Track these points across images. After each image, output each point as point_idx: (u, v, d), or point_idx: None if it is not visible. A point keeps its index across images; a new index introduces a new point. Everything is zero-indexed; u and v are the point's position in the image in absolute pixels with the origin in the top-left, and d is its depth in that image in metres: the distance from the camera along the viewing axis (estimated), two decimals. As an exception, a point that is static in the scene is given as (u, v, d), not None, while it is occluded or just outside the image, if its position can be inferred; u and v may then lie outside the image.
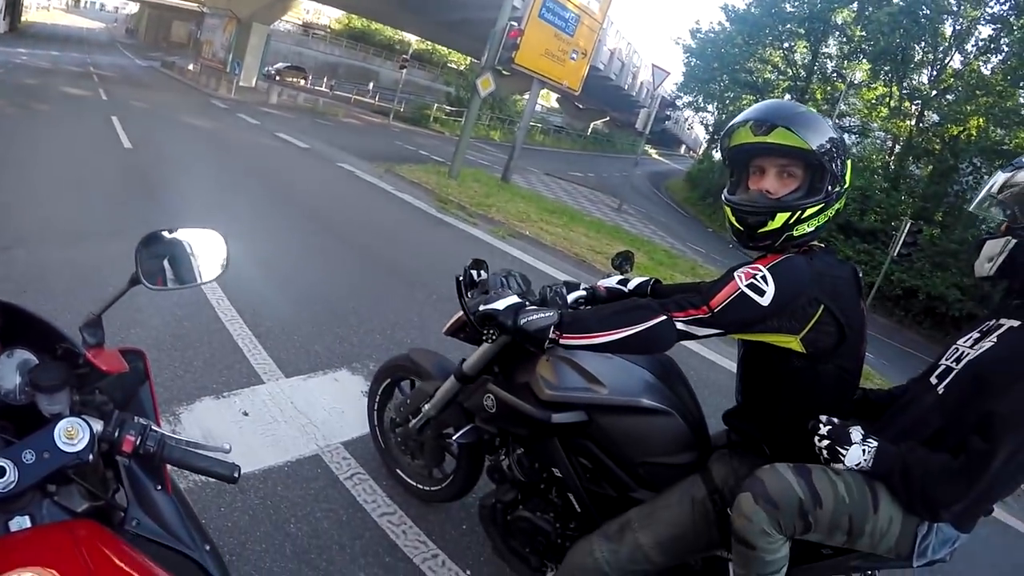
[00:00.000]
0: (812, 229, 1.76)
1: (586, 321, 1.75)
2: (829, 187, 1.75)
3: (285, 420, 3.29)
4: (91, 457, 1.01)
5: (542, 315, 1.75)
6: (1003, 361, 1.58)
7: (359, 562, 2.58)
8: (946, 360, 1.75)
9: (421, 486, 2.92)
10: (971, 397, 1.59)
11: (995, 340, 1.64)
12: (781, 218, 1.73)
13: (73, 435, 0.99)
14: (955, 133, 24.62)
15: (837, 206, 1.80)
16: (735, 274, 1.68)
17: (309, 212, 8.11)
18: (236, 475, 1.08)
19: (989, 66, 25.44)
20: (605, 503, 2.13)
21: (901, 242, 16.60)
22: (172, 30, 64.92)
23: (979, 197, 1.80)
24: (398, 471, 3.01)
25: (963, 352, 1.73)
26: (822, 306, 1.66)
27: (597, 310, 1.82)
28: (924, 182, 25.79)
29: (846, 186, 1.78)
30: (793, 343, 1.68)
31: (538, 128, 41.01)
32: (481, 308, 1.87)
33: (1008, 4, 23.74)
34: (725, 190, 1.89)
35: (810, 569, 1.81)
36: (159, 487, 1.20)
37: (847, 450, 1.64)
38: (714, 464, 1.96)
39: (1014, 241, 1.63)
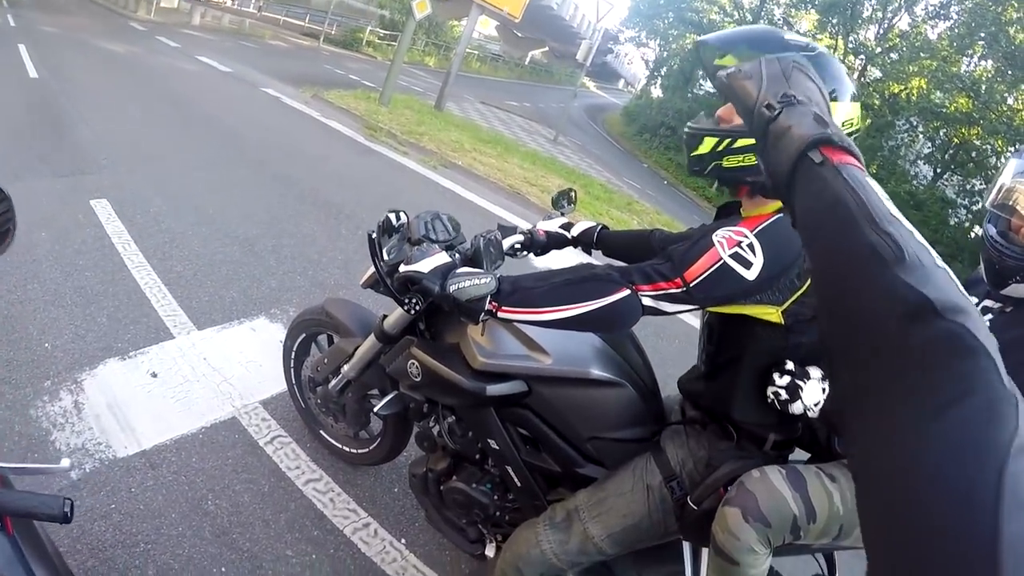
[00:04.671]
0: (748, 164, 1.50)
1: (530, 292, 1.47)
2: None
3: (197, 379, 3.02)
4: None
5: (476, 281, 1.44)
6: (1001, 345, 1.45)
7: (285, 538, 2.40)
8: None
9: (347, 448, 2.74)
10: None
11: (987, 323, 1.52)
12: (708, 143, 1.47)
13: None
14: (896, 91, 24.91)
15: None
16: (715, 239, 1.41)
17: (228, 141, 7.56)
18: (67, 512, 0.87)
19: (936, 31, 25.69)
20: (548, 476, 1.97)
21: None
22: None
23: (995, 188, 1.62)
24: (321, 432, 2.82)
25: None
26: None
27: (544, 277, 1.52)
28: (860, 135, 26.36)
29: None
30: (773, 315, 1.47)
31: (475, 55, 39.79)
32: (402, 269, 1.56)
33: None
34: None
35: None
36: None
37: (806, 383, 1.50)
38: (668, 443, 1.77)
39: None
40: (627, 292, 1.40)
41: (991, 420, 0.42)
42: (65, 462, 0.94)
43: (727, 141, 1.45)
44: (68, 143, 5.96)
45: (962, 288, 0.52)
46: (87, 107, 7.51)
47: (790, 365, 1.54)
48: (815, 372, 1.53)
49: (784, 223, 1.42)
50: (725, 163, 1.47)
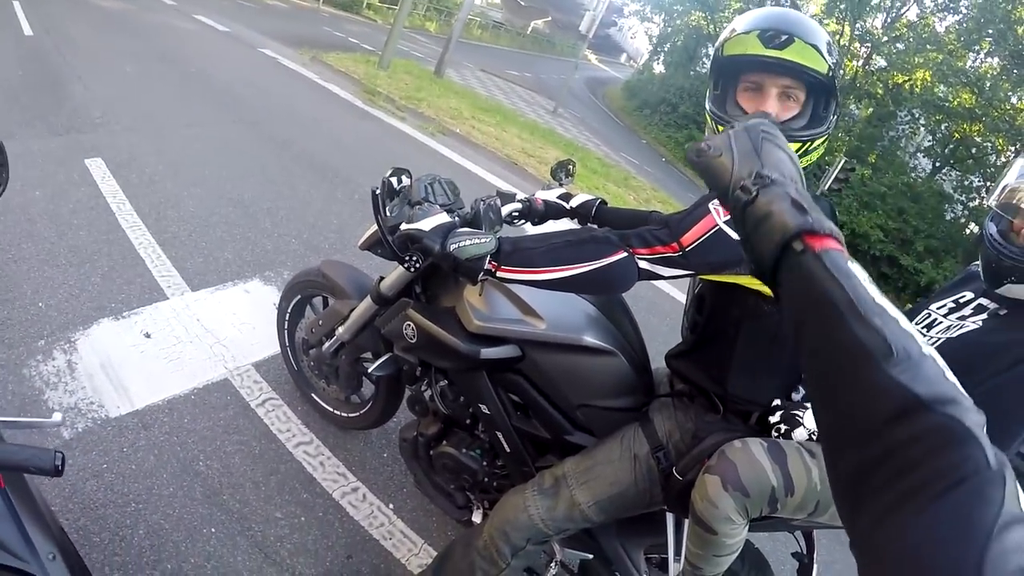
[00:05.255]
0: (808, 164, 1.52)
1: (530, 252, 1.48)
2: (832, 115, 1.51)
3: (191, 340, 3.01)
4: None
5: (476, 240, 1.45)
6: (988, 349, 1.49)
7: (275, 501, 2.42)
8: (916, 324, 1.65)
9: (338, 412, 2.76)
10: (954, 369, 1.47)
11: (979, 323, 1.56)
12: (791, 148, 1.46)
13: None
14: (899, 82, 24.56)
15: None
16: (711, 207, 1.42)
17: (225, 102, 7.46)
18: (58, 465, 0.86)
19: (944, 24, 25.28)
20: (538, 443, 1.99)
21: (833, 177, 16.76)
22: None
23: (999, 188, 1.61)
24: (313, 396, 2.83)
25: (936, 319, 1.64)
26: None
27: (543, 239, 1.52)
28: (861, 123, 25.84)
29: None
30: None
31: (476, 22, 39.31)
32: (403, 228, 1.56)
33: None
34: (709, 104, 1.58)
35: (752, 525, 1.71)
36: None
37: (803, 412, 1.57)
38: (656, 415, 1.80)
39: None
40: (624, 254, 1.42)
41: (977, 504, 0.44)
42: (56, 416, 0.93)
43: (807, 144, 1.48)
44: (63, 101, 5.87)
45: (949, 373, 0.53)
46: (82, 65, 7.37)
47: (778, 403, 1.62)
48: (802, 398, 1.62)
49: None
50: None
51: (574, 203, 2.21)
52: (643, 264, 1.43)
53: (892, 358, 0.52)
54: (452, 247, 1.44)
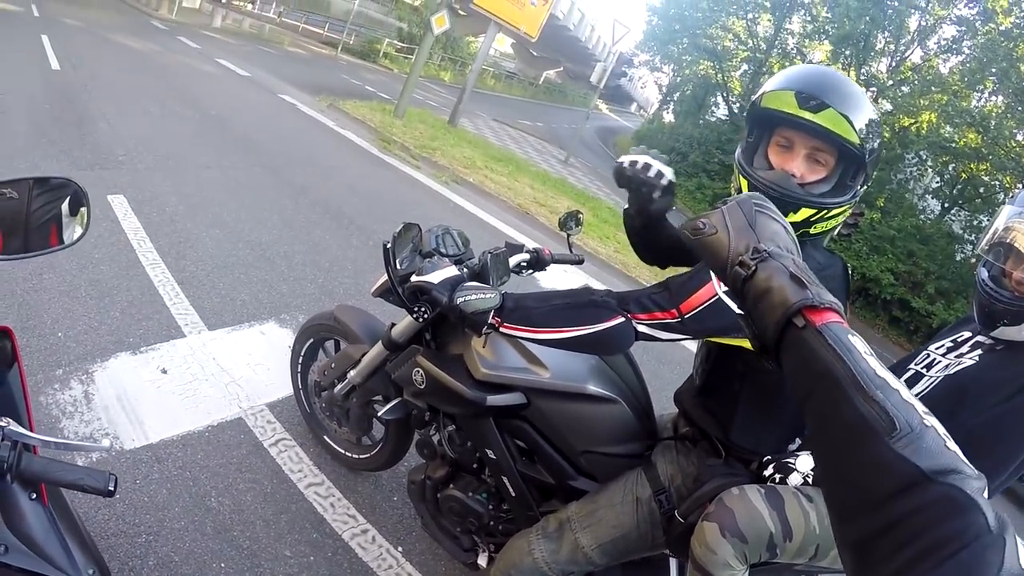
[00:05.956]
0: (826, 230, 1.56)
1: (530, 312, 1.55)
2: (859, 186, 1.54)
3: (206, 379, 3.08)
4: None
5: (482, 295, 1.52)
6: (986, 383, 1.50)
7: (285, 539, 2.45)
8: (915, 365, 1.68)
9: (349, 454, 2.80)
10: (948, 407, 1.49)
11: (976, 359, 1.58)
12: (804, 213, 1.48)
13: None
14: (906, 125, 24.50)
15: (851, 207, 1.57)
16: (712, 274, 1.48)
17: (245, 146, 7.67)
18: (111, 487, 0.90)
19: (948, 65, 25.31)
20: (542, 488, 2.03)
21: (842, 223, 16.76)
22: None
23: (988, 234, 1.63)
24: (325, 437, 2.87)
25: (934, 359, 1.67)
26: None
27: (545, 298, 1.59)
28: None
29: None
30: None
31: (490, 72, 40.13)
32: (413, 279, 1.66)
33: (976, 9, 23.50)
34: (739, 152, 1.62)
35: (754, 571, 1.74)
36: (34, 496, 1.00)
37: (795, 460, 1.63)
38: (659, 458, 1.85)
39: None
40: (622, 320, 1.48)
41: (977, 568, 0.46)
42: (105, 442, 0.97)
43: (823, 212, 1.49)
44: (88, 137, 6.06)
45: (950, 442, 0.55)
46: (107, 102, 7.61)
47: (767, 457, 1.68)
48: (796, 449, 1.69)
49: None
50: (812, 230, 1.53)
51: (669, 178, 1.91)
52: (641, 328, 1.48)
53: (895, 432, 0.53)
54: (459, 300, 1.52)
